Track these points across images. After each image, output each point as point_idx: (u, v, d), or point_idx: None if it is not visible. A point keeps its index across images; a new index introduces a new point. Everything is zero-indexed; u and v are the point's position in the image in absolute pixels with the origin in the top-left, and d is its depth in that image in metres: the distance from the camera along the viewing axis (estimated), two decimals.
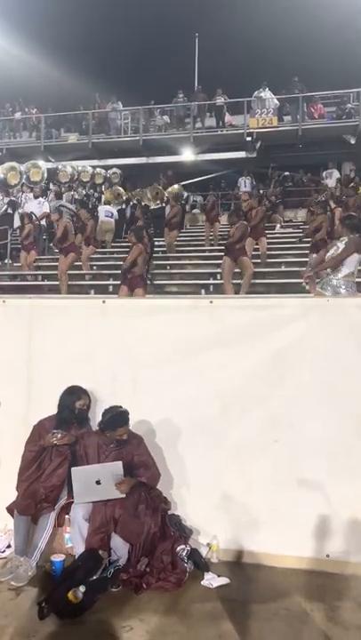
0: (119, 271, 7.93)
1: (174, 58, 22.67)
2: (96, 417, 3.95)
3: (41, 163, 14.66)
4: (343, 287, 5.22)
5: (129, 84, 21.88)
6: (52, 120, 20.63)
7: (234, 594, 3.28)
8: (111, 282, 9.72)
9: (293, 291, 7.93)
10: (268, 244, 11.16)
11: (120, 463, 3.49)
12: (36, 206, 12.55)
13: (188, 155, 18.33)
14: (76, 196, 15.27)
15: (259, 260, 10.34)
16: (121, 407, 3.59)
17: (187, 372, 3.90)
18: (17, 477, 3.65)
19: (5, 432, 4.02)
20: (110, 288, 9.55)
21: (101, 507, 3.44)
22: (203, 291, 9.26)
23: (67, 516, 3.64)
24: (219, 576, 3.42)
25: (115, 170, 16.85)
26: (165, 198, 14.21)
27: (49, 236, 12.53)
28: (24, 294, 7.43)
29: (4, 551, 3.72)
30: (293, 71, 18.59)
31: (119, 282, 7.82)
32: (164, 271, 11.15)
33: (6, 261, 12.54)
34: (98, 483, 3.43)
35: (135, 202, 14.49)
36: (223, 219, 12.98)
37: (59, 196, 14.34)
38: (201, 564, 3.48)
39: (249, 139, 17.44)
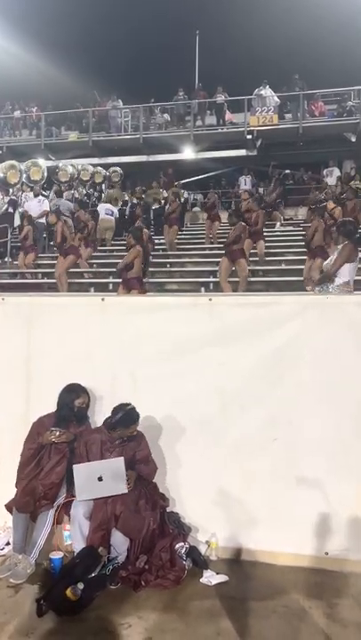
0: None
1: (175, 56, 22.64)
2: (95, 415, 3.96)
3: (41, 161, 14.66)
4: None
5: (129, 81, 21.87)
6: (52, 118, 20.61)
7: (233, 591, 3.28)
8: (111, 280, 9.72)
9: (293, 289, 7.93)
10: (269, 242, 11.15)
11: (122, 459, 3.49)
12: (36, 205, 12.54)
13: (188, 153, 18.32)
14: (76, 195, 15.25)
15: (257, 258, 10.33)
16: (130, 405, 3.60)
17: (186, 369, 3.90)
18: (16, 475, 3.66)
19: (5, 430, 4.02)
20: (110, 286, 9.56)
21: (103, 504, 3.45)
22: (202, 289, 9.26)
23: (66, 516, 3.64)
24: (217, 573, 3.42)
25: (115, 168, 16.84)
26: (163, 199, 14.21)
27: (49, 234, 12.53)
28: (24, 292, 7.42)
29: (2, 548, 3.72)
30: (294, 69, 18.59)
31: (119, 280, 7.83)
32: (164, 269, 11.15)
33: (6, 260, 12.54)
34: (100, 479, 3.43)
35: (135, 201, 14.48)
36: (223, 217, 12.96)
37: (59, 194, 14.33)
38: (200, 562, 3.48)
39: (249, 137, 17.43)
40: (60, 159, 17.11)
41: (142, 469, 3.63)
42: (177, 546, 3.45)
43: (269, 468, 3.69)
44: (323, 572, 3.47)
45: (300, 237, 11.24)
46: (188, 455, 3.84)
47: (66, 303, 4.45)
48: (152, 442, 3.79)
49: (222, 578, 3.39)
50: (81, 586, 3.09)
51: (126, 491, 3.44)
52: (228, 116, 18.75)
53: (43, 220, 12.40)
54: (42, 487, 3.53)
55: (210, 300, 4.07)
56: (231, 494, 3.73)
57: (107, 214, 13.36)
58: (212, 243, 12.48)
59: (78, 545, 3.44)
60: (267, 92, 17.49)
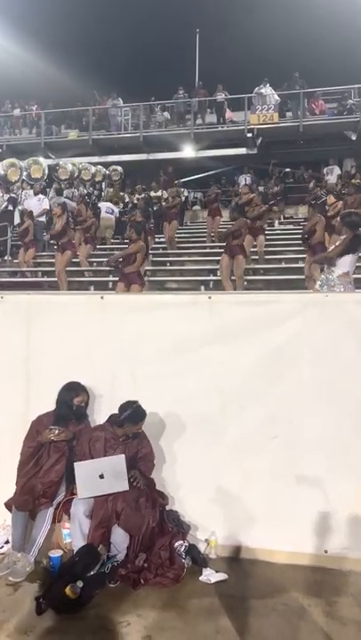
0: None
1: (175, 54, 22.58)
2: (94, 414, 3.96)
3: (42, 159, 14.65)
4: (341, 286, 5.20)
5: (129, 80, 21.83)
6: (52, 116, 20.59)
7: (232, 589, 3.28)
8: (111, 278, 9.70)
9: (293, 287, 7.92)
10: (269, 240, 11.14)
11: (123, 456, 3.50)
12: (36, 203, 12.52)
13: (188, 151, 18.29)
14: (76, 193, 15.25)
15: (256, 257, 10.32)
16: (137, 402, 3.63)
17: (186, 368, 3.90)
18: (16, 473, 3.66)
19: (4, 429, 4.01)
20: (110, 284, 9.54)
21: (104, 502, 3.45)
22: (202, 287, 9.25)
23: (65, 514, 3.64)
24: (217, 572, 3.42)
25: (115, 167, 16.82)
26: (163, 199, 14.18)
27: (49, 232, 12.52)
28: (23, 290, 7.41)
29: (2, 547, 3.72)
30: (294, 67, 18.56)
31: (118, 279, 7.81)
32: (163, 267, 11.14)
33: (6, 258, 12.53)
34: (101, 477, 3.44)
35: (136, 200, 14.45)
36: (224, 215, 12.94)
37: (59, 192, 14.32)
38: (199, 560, 3.48)
39: (250, 135, 17.40)
40: (60, 158, 17.08)
41: (142, 466, 3.65)
42: (176, 544, 3.46)
43: (269, 466, 3.69)
44: (322, 571, 3.47)
45: (300, 235, 11.21)
46: (188, 454, 3.84)
47: (65, 301, 4.45)
48: (152, 440, 3.80)
49: (222, 576, 3.39)
50: (80, 584, 3.09)
51: (128, 488, 3.44)
52: (229, 114, 18.72)
53: (43, 219, 12.39)
54: (41, 485, 3.53)
55: (209, 298, 4.06)
56: (231, 493, 3.72)
57: (107, 213, 13.36)
58: (213, 241, 12.45)
59: (78, 543, 3.44)
60: (267, 90, 17.47)
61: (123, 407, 3.63)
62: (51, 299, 4.58)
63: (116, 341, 4.01)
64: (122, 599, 3.17)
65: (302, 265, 8.82)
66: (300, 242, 9.10)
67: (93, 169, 16.09)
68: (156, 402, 3.86)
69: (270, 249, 11.04)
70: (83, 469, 3.49)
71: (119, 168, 16.87)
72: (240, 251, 8.55)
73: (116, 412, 3.74)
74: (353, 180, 13.84)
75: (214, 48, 22.87)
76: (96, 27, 24.89)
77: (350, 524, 3.55)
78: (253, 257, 10.27)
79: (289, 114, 18.09)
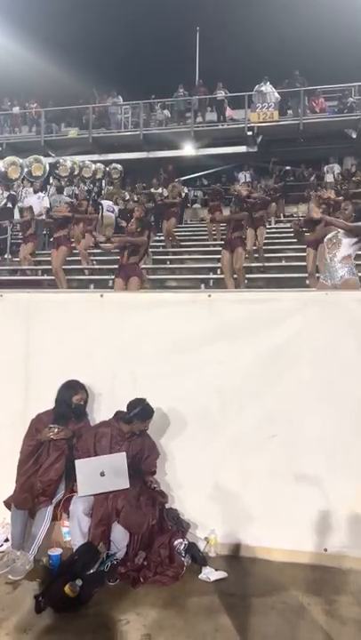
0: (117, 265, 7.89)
1: (175, 52, 22.50)
2: (94, 412, 3.95)
3: (42, 158, 14.63)
4: (344, 268, 5.14)
5: (129, 78, 21.77)
6: (52, 115, 20.55)
7: (231, 588, 3.28)
8: (111, 277, 9.68)
9: (294, 286, 7.90)
10: (269, 238, 11.11)
11: (124, 454, 3.50)
12: (36, 201, 12.50)
13: (188, 149, 18.27)
14: (76, 191, 15.23)
15: (256, 255, 10.31)
16: (145, 400, 3.64)
17: (186, 366, 3.89)
18: (16, 472, 3.66)
19: (3, 427, 4.01)
20: (110, 283, 9.51)
21: (104, 499, 3.45)
22: (202, 285, 9.24)
23: (64, 512, 3.64)
24: (216, 570, 3.42)
25: (114, 165, 16.80)
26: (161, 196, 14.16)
27: (49, 231, 12.50)
28: (23, 289, 7.40)
29: (1, 545, 3.72)
30: (295, 65, 18.51)
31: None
32: (163, 266, 11.12)
33: (6, 256, 12.52)
34: (102, 474, 3.44)
35: (136, 198, 14.44)
36: (225, 213, 12.90)
37: (60, 190, 14.30)
38: (199, 558, 3.48)
39: (250, 133, 17.38)
40: (60, 156, 17.06)
41: (145, 464, 3.67)
42: (176, 542, 3.46)
43: (269, 465, 3.69)
44: (322, 569, 3.47)
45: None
46: (188, 452, 3.83)
47: (64, 300, 4.44)
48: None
49: (221, 574, 3.39)
50: (79, 582, 3.09)
51: (128, 486, 3.44)
52: (229, 112, 18.68)
53: (43, 217, 12.36)
54: (40, 484, 3.53)
55: (209, 296, 4.05)
56: (230, 491, 3.72)
57: (108, 211, 13.34)
58: (214, 239, 12.42)
59: (77, 541, 3.44)
60: (267, 88, 17.42)
61: (132, 404, 3.64)
62: (50, 297, 4.58)
63: (115, 339, 4.01)
64: (121, 597, 3.17)
65: (303, 263, 8.79)
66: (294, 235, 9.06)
67: (94, 166, 16.06)
68: (156, 400, 3.84)
69: (270, 247, 11.02)
70: (84, 467, 3.49)
71: (118, 166, 16.85)
72: (240, 243, 8.55)
73: (117, 409, 3.74)
74: (353, 178, 13.82)
75: (214, 46, 22.80)
76: (96, 25, 24.83)
77: (350, 523, 3.55)
78: (254, 254, 10.27)
79: (289, 112, 18.05)
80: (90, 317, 4.10)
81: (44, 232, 12.87)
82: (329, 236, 5.41)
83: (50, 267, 10.15)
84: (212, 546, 3.67)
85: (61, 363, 3.95)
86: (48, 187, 14.69)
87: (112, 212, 13.45)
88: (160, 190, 14.49)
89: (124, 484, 3.44)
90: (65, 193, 14.27)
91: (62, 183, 14.97)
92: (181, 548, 3.45)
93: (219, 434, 3.79)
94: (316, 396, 3.66)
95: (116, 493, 3.45)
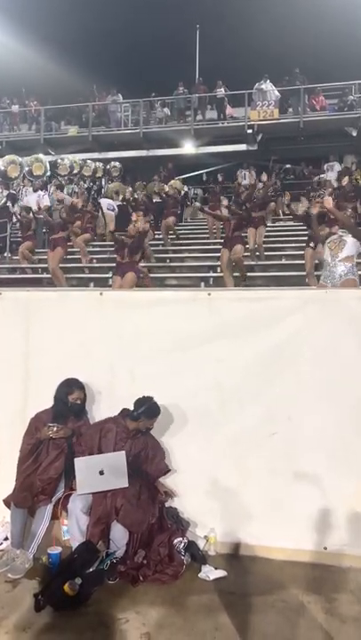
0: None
1: (175, 50, 22.47)
2: (93, 410, 3.95)
3: (43, 156, 14.60)
4: (346, 269, 5.17)
5: (129, 76, 21.73)
6: (51, 113, 20.51)
7: (231, 586, 3.28)
8: (110, 275, 9.67)
9: (294, 284, 7.89)
10: (269, 237, 11.09)
11: (123, 453, 3.50)
12: (36, 199, 12.48)
13: (188, 147, 18.24)
14: (76, 189, 15.20)
15: (258, 254, 10.30)
16: (152, 398, 3.64)
17: (185, 364, 3.88)
18: (16, 470, 3.66)
19: (3, 426, 4.01)
20: (110, 281, 9.51)
21: (102, 498, 3.45)
22: (202, 284, 9.23)
23: (64, 511, 3.64)
24: (216, 568, 3.42)
25: (114, 163, 16.77)
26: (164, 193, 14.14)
27: (49, 230, 12.48)
28: (23, 287, 7.40)
29: (1, 543, 3.72)
30: (295, 63, 18.46)
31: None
32: (163, 264, 11.11)
33: (5, 255, 12.50)
34: (101, 473, 3.44)
35: (136, 195, 14.42)
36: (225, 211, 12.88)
37: (60, 188, 14.26)
38: (198, 557, 3.48)
39: (250, 131, 17.35)
40: (60, 154, 17.03)
41: (150, 469, 3.66)
42: (175, 541, 3.46)
43: (269, 463, 3.68)
44: (321, 567, 3.47)
45: (301, 232, 11.18)
46: (187, 451, 3.83)
47: (64, 298, 4.43)
48: None
49: (221, 573, 3.39)
50: (79, 581, 3.09)
51: (127, 485, 3.44)
52: (229, 110, 18.65)
53: (42, 215, 12.32)
54: (40, 482, 3.53)
55: (209, 294, 4.04)
56: (230, 490, 3.72)
57: (108, 209, 13.31)
58: (215, 238, 12.41)
59: (76, 539, 3.44)
60: (267, 86, 17.38)
61: (139, 402, 3.64)
62: (49, 295, 4.56)
63: (115, 338, 4.00)
64: (121, 596, 3.17)
65: (303, 261, 8.79)
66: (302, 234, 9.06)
67: (93, 165, 16.04)
68: (156, 399, 3.84)
69: (270, 245, 11.01)
70: (83, 465, 3.49)
71: (117, 164, 16.82)
72: (240, 241, 8.55)
73: (116, 408, 3.74)
74: (353, 177, 13.76)
75: (214, 44, 22.77)
76: (96, 23, 24.76)
77: (350, 521, 3.54)
78: (256, 253, 10.26)
79: (290, 110, 18.01)
80: (89, 316, 4.09)
81: (44, 230, 12.85)
82: (333, 237, 5.44)
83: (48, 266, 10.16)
84: (211, 544, 3.66)
85: (61, 361, 3.94)
86: (49, 186, 14.65)
87: (112, 210, 13.42)
88: (162, 186, 14.48)
89: (123, 482, 3.43)
90: (65, 191, 14.22)
91: (62, 182, 14.92)
92: (181, 546, 3.45)
93: (218, 432, 3.78)
94: (316, 394, 3.66)
95: (115, 492, 3.44)
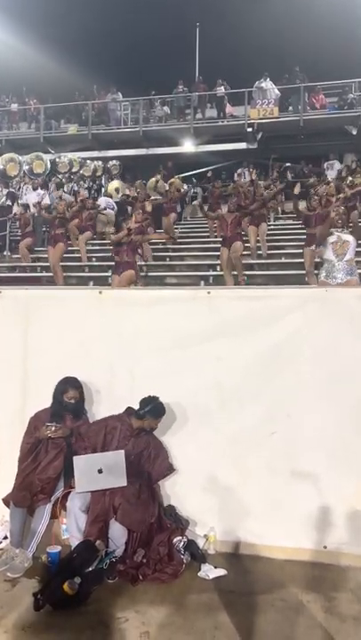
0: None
1: (175, 48, 22.43)
2: (93, 409, 3.94)
3: (43, 155, 14.58)
4: (350, 269, 5.23)
5: (129, 74, 21.68)
6: (51, 111, 20.47)
7: (231, 585, 3.28)
8: (110, 274, 9.66)
9: (294, 283, 7.88)
10: (268, 235, 11.08)
11: (122, 452, 3.50)
12: (35, 198, 12.46)
13: (188, 146, 18.21)
14: (76, 188, 15.19)
15: (260, 252, 10.30)
16: (158, 397, 3.66)
17: (185, 363, 3.88)
18: (17, 469, 3.66)
19: (2, 426, 4.00)
20: (109, 280, 9.50)
21: (101, 496, 3.45)
22: (202, 282, 9.22)
23: (63, 510, 3.63)
24: (215, 567, 3.41)
25: (113, 162, 16.75)
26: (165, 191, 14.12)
27: (48, 228, 12.46)
28: (22, 285, 7.39)
29: (0, 542, 3.71)
30: (295, 61, 18.44)
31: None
32: (163, 263, 11.10)
33: (5, 253, 12.49)
34: (100, 472, 3.43)
35: (137, 193, 14.39)
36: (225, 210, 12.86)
37: (60, 187, 14.25)
38: (198, 556, 3.47)
39: (250, 130, 17.32)
40: (60, 152, 17.01)
41: (151, 466, 3.66)
42: (175, 540, 3.45)
43: (268, 462, 3.68)
44: (321, 566, 3.47)
45: (300, 230, 11.17)
46: (187, 450, 3.82)
47: (63, 296, 4.42)
48: None
49: (220, 572, 3.39)
50: (78, 580, 3.08)
51: (125, 484, 3.43)
52: (229, 108, 18.61)
53: (42, 212, 12.30)
54: (38, 482, 3.53)
55: (208, 293, 4.04)
56: (230, 488, 3.71)
57: (108, 208, 13.29)
58: (215, 236, 12.38)
59: (74, 537, 3.44)
60: (267, 84, 17.35)
61: (145, 401, 3.66)
62: (49, 293, 4.56)
63: (114, 337, 3.99)
64: (120, 595, 3.16)
65: (302, 260, 8.78)
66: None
67: (93, 165, 16.01)
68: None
69: (270, 244, 10.99)
70: (82, 463, 3.49)
71: (117, 162, 16.80)
72: (238, 238, 8.54)
73: (115, 407, 3.74)
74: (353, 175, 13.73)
75: (214, 42, 22.74)
76: (96, 21, 24.72)
77: (349, 520, 3.54)
78: (258, 252, 10.25)
79: (290, 108, 17.98)
80: (88, 314, 4.09)
81: (43, 229, 12.84)
82: (334, 238, 5.46)
83: (49, 264, 10.15)
84: (211, 543, 3.66)
85: (60, 360, 3.93)
86: (49, 184, 14.63)
87: (112, 208, 13.41)
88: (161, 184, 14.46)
89: (122, 481, 3.43)
90: (65, 189, 14.21)
91: (63, 180, 14.90)
92: (181, 545, 3.44)
93: (218, 431, 3.78)
94: (316, 393, 3.65)
95: (114, 490, 3.44)
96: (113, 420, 3.72)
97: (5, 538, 3.69)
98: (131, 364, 3.95)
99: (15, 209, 12.90)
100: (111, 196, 14.19)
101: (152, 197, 12.77)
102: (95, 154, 17.78)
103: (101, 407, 3.93)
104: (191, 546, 3.49)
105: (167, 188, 13.66)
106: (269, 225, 12.97)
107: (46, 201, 12.39)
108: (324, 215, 7.74)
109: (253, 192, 10.75)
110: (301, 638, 2.81)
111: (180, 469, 3.81)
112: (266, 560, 3.55)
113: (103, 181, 16.65)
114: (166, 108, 19.74)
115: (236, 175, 16.45)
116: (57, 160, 15.18)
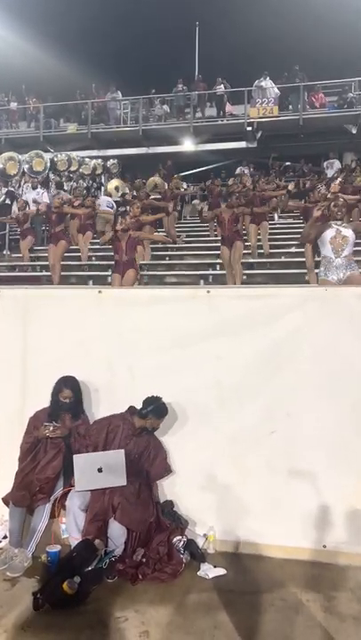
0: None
1: (174, 47, 22.43)
2: (92, 408, 3.94)
3: (43, 153, 14.56)
4: (350, 265, 5.20)
5: (128, 73, 21.67)
6: (51, 110, 20.45)
7: (230, 584, 3.27)
8: (109, 273, 9.65)
9: (294, 282, 7.87)
10: (269, 233, 11.07)
11: (122, 451, 3.50)
12: (35, 197, 12.43)
13: (188, 145, 18.20)
14: (75, 186, 15.16)
15: (261, 251, 10.29)
16: (161, 398, 3.67)
17: (185, 362, 3.87)
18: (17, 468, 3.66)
19: (1, 426, 4.00)
20: (109, 279, 9.49)
21: (100, 495, 3.45)
22: (202, 281, 9.21)
23: (63, 510, 3.63)
24: (215, 567, 3.41)
25: (112, 161, 16.73)
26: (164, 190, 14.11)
27: (48, 227, 12.45)
28: (21, 285, 7.38)
29: (0, 542, 3.71)
30: (294, 60, 18.42)
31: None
32: (162, 262, 11.09)
33: (4, 252, 12.48)
34: (99, 470, 3.43)
35: (135, 193, 14.38)
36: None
37: (60, 186, 14.23)
38: (197, 555, 3.47)
39: (250, 128, 17.32)
40: (59, 151, 16.99)
41: (150, 466, 3.66)
42: (174, 539, 3.45)
43: (268, 461, 3.67)
44: (321, 565, 3.47)
45: (300, 231, 11.16)
46: (187, 449, 3.82)
47: (62, 295, 4.41)
48: None
49: (220, 571, 3.38)
50: (77, 579, 3.08)
51: (125, 483, 3.43)
52: (229, 107, 18.61)
53: (42, 210, 12.27)
54: (37, 481, 3.53)
55: (208, 292, 4.03)
56: (229, 487, 3.71)
57: (107, 207, 13.27)
58: (216, 236, 12.37)
59: (74, 536, 3.44)
60: (267, 83, 17.34)
61: (148, 401, 3.66)
62: (48, 293, 4.55)
63: (113, 336, 3.99)
64: (120, 594, 3.16)
65: (302, 259, 8.78)
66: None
67: (92, 163, 16.00)
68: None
69: (270, 243, 10.99)
70: (81, 462, 3.49)
71: (116, 161, 16.79)
72: (238, 237, 8.54)
73: (114, 406, 3.74)
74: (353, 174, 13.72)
75: (214, 41, 22.73)
76: (95, 20, 24.71)
77: (349, 519, 3.54)
78: (259, 250, 10.23)
79: (290, 107, 17.97)
80: (88, 314, 4.08)
81: (43, 228, 12.82)
82: (333, 233, 5.41)
83: (48, 263, 10.14)
84: (210, 542, 3.66)
85: (59, 359, 3.93)
86: (50, 183, 14.61)
87: (112, 207, 13.39)
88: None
89: (121, 481, 3.43)
90: (65, 188, 14.18)
91: (62, 179, 14.89)
92: (180, 544, 3.44)
93: (218, 430, 3.78)
94: (316, 392, 3.65)
95: (113, 490, 3.44)
96: (115, 418, 3.72)
97: (5, 537, 3.68)
98: (130, 363, 3.94)
99: (15, 209, 12.87)
100: (111, 195, 14.18)
101: (152, 197, 12.74)
102: (95, 153, 17.77)
103: (101, 406, 3.93)
104: (191, 545, 3.49)
105: (166, 188, 13.65)
106: (273, 223, 12.99)
107: (45, 200, 12.37)
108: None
109: (254, 187, 10.71)
110: (301, 637, 2.81)
111: (180, 468, 3.81)
112: (265, 559, 3.55)
113: (103, 180, 16.63)
114: (166, 107, 19.72)
115: (237, 171, 16.40)
116: (55, 159, 15.16)
